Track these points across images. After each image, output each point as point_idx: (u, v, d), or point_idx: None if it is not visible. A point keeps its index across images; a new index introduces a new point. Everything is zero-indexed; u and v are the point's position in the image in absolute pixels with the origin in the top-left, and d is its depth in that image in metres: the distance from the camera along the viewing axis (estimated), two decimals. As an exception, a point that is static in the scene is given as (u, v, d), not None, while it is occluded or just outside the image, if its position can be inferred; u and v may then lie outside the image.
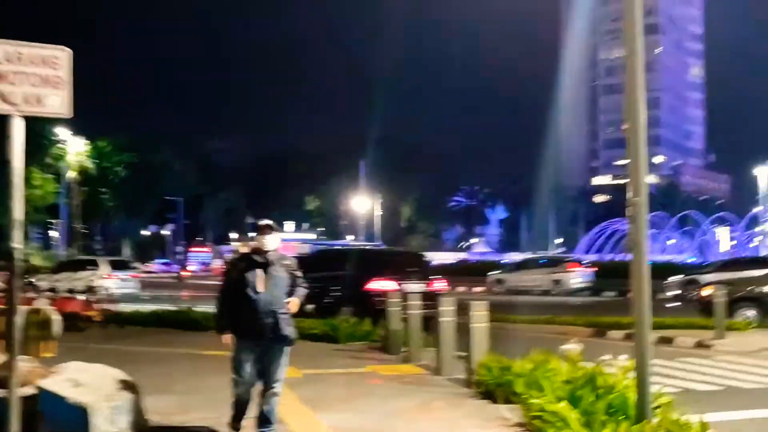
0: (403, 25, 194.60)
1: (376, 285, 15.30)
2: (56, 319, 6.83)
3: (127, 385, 6.24)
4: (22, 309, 7.19)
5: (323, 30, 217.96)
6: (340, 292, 16.01)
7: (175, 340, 13.80)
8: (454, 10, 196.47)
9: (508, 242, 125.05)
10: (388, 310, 11.41)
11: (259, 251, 6.39)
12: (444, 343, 9.21)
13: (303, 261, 8.42)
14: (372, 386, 8.91)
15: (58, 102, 5.25)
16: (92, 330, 15.50)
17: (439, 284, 16.69)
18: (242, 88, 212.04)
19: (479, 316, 8.37)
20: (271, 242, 6.38)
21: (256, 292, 6.25)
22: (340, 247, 36.37)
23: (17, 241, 5.09)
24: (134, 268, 36.28)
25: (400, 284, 14.44)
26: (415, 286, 14.26)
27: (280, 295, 6.38)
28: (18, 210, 5.09)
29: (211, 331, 15.39)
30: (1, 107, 5.13)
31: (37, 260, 73.36)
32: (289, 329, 6.45)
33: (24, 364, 6.27)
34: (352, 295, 15.59)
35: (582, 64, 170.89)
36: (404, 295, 11.01)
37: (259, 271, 6.29)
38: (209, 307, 16.73)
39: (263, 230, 6.41)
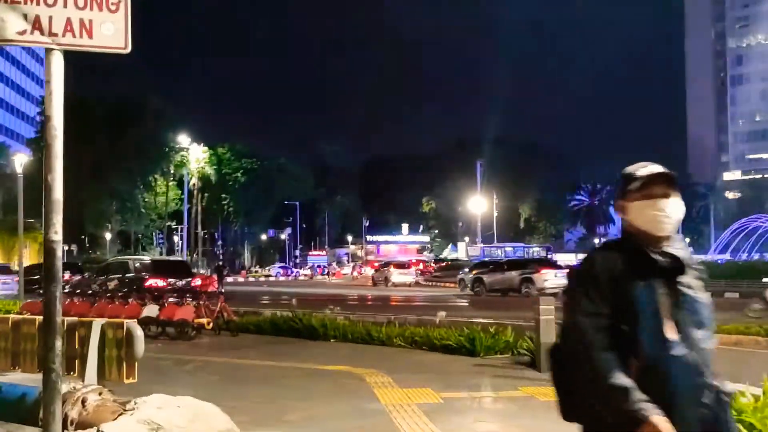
0: (519, 24, 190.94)
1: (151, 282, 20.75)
2: (138, 335, 5.27)
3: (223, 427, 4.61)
4: (98, 323, 5.74)
5: (438, 31, 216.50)
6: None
7: (290, 352, 12.31)
8: (572, 6, 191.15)
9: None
10: (543, 318, 9.46)
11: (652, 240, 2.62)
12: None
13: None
14: (534, 418, 7.04)
15: (111, 30, 3.67)
16: (202, 338, 14.29)
17: (198, 281, 22.46)
18: (358, 90, 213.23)
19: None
20: (676, 213, 2.67)
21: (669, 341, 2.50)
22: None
23: (56, 231, 3.53)
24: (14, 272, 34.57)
25: (167, 282, 20.68)
26: (179, 283, 20.45)
27: (709, 343, 2.59)
28: (57, 188, 3.54)
29: (329, 340, 14.14)
30: (36, 39, 3.60)
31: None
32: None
33: (92, 396, 4.77)
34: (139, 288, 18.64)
35: (709, 54, 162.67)
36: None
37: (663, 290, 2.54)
38: (323, 313, 15.44)
39: (661, 186, 2.66)
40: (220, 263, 56.89)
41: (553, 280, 31.53)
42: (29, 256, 55.21)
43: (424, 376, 9.18)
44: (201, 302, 14.79)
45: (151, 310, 14.39)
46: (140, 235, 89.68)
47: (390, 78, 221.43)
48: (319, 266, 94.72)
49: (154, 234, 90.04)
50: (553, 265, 36.84)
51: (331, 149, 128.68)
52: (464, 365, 10.24)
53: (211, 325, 14.40)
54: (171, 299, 14.98)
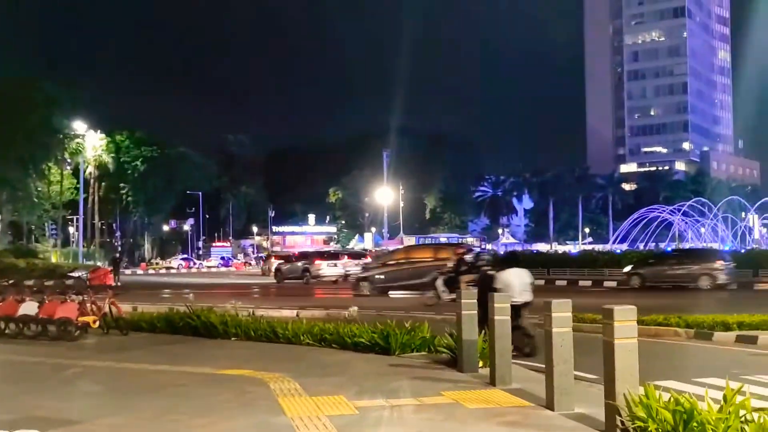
0: (425, 16, 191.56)
1: None
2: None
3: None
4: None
5: (344, 23, 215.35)
6: None
7: (186, 353, 11.15)
8: (477, 1, 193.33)
9: (536, 233, 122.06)
10: (465, 313, 8.66)
11: None
12: (560, 362, 6.47)
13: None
14: (464, 429, 6.21)
15: None
16: (88, 339, 12.93)
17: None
18: (263, 80, 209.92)
19: (626, 326, 5.61)
20: None
21: None
22: None
23: None
24: None
25: None
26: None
27: None
28: None
29: (230, 339, 13.01)
30: None
31: (55, 257, 71.65)
32: None
33: None
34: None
35: (607, 50, 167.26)
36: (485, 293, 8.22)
37: None
38: (227, 308, 14.24)
39: None
40: (117, 255, 54.19)
41: (326, 269, 36.72)
42: None
43: (336, 381, 8.26)
44: (86, 298, 13.37)
45: (28, 307, 12.93)
46: (33, 226, 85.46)
47: (297, 67, 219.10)
48: (222, 257, 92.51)
49: (46, 224, 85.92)
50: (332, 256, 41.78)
51: (236, 138, 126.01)
52: (379, 365, 9.35)
53: (98, 323, 13.04)
54: (53, 295, 13.51)
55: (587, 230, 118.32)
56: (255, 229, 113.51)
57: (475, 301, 8.80)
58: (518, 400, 7.17)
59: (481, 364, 8.92)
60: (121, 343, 12.49)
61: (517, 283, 10.97)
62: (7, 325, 13.26)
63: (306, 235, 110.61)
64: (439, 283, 22.12)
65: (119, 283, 25.01)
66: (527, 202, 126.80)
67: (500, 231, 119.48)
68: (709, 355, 11.24)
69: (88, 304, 13.29)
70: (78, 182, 76.76)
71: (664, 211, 61.58)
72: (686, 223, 60.25)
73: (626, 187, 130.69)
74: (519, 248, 74.83)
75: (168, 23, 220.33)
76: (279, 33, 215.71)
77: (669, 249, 44.11)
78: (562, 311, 6.53)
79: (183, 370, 9.28)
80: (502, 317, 7.91)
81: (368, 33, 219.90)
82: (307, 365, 9.49)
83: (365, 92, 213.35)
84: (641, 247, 56.98)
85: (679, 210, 60.43)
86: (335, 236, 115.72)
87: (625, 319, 5.63)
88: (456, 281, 21.69)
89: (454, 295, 22.54)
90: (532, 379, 8.38)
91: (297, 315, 17.89)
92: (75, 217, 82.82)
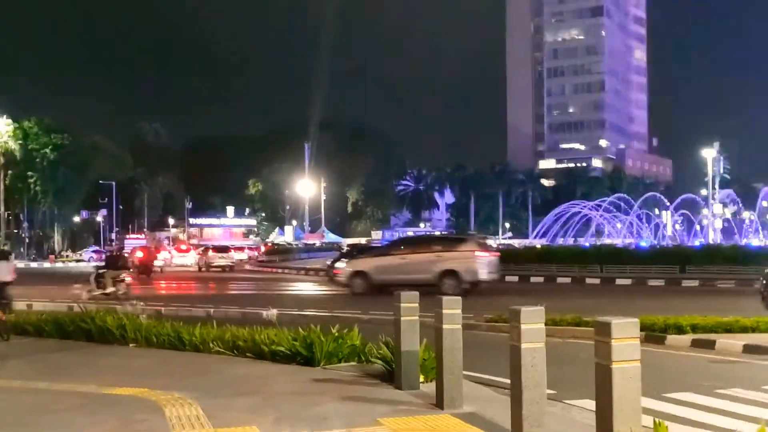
0: (346, 6, 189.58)
1: None
2: None
3: None
4: None
5: (264, 11, 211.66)
6: None
7: (72, 364, 9.41)
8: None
9: (458, 227, 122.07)
10: (405, 319, 7.27)
11: None
12: (531, 386, 5.16)
13: None
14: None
15: None
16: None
17: None
18: (181, 68, 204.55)
19: (628, 345, 4.33)
20: None
21: None
22: None
23: None
24: None
25: None
26: None
27: None
28: None
29: (128, 345, 10.64)
30: None
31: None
32: None
33: None
34: None
35: (528, 47, 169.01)
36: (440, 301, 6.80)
37: None
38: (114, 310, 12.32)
39: None
40: (4, 247, 50.23)
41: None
42: None
43: (249, 403, 6.78)
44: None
45: None
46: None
47: (216, 56, 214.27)
48: (96, 250, 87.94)
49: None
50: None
51: (151, 127, 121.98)
52: (302, 381, 7.89)
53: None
54: None
55: (507, 225, 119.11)
56: (171, 221, 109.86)
57: (417, 305, 7.42)
58: (476, 429, 5.83)
59: (421, 378, 7.57)
60: (-1, 352, 10.67)
61: None
62: None
63: (224, 227, 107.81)
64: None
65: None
66: (449, 197, 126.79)
67: (422, 225, 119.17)
68: (669, 362, 10.16)
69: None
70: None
71: (586, 206, 61.82)
72: (606, 219, 60.65)
73: (545, 182, 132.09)
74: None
75: (86, 7, 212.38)
76: (201, 20, 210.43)
77: (587, 245, 43.75)
78: (533, 322, 5.21)
79: (62, 389, 7.61)
80: (452, 326, 6.57)
81: (293, 24, 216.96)
82: (214, 381, 7.95)
83: (287, 84, 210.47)
84: (561, 242, 57.06)
85: (600, 206, 60.73)
86: (255, 229, 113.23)
87: (627, 335, 4.35)
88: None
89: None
90: (486, 398, 7.09)
91: (208, 315, 16.25)
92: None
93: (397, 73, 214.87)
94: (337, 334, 9.23)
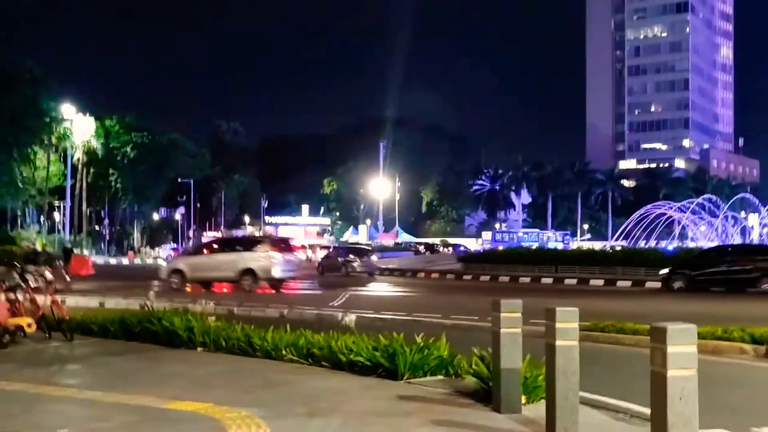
0: (425, 6, 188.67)
1: None
2: None
3: None
4: None
5: (343, 10, 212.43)
6: None
7: (133, 371, 8.58)
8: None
9: (534, 228, 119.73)
10: (506, 332, 6.25)
11: None
12: (678, 423, 4.07)
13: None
14: None
15: None
16: (22, 345, 10.45)
17: None
18: (258, 67, 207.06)
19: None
20: None
21: None
22: None
23: None
24: None
25: None
26: None
27: None
28: None
29: (196, 349, 9.66)
30: None
31: (41, 244, 69.00)
32: None
33: None
34: None
35: (608, 44, 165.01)
36: (550, 313, 5.69)
37: None
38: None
39: None
40: (68, 245, 50.82)
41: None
42: None
43: (325, 426, 5.85)
44: (21, 295, 10.83)
45: None
46: (18, 213, 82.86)
47: (292, 56, 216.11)
48: (173, 248, 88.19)
49: (27, 210, 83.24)
50: None
51: (229, 125, 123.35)
52: (385, 398, 6.93)
53: (33, 327, 10.49)
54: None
55: (586, 226, 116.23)
56: (247, 219, 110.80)
57: (520, 315, 6.37)
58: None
59: (524, 399, 6.52)
60: (59, 354, 10.01)
61: None
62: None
63: (299, 226, 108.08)
64: None
65: (69, 279, 22.55)
66: (525, 197, 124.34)
67: (497, 225, 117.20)
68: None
69: (26, 301, 10.74)
70: (65, 168, 74.10)
71: (671, 208, 59.34)
72: (693, 222, 58.18)
73: (626, 183, 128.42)
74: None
75: (163, 8, 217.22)
76: (277, 19, 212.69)
77: (671, 248, 41.66)
78: (682, 343, 4.12)
79: (117, 401, 6.80)
80: (567, 342, 5.49)
81: (368, 20, 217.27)
82: (287, 395, 7.05)
83: (362, 82, 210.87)
84: (642, 244, 55.04)
85: (687, 208, 58.18)
86: (329, 228, 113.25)
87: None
88: None
89: None
90: (603, 427, 5.99)
91: (282, 316, 15.48)
92: (62, 204, 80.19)
93: (473, 71, 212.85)
94: (422, 343, 8.23)
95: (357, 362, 8.17)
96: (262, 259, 24.43)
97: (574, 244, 75.67)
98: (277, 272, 24.28)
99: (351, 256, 42.53)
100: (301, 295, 23.71)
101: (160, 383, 7.68)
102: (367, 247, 51.38)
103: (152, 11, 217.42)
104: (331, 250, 51.45)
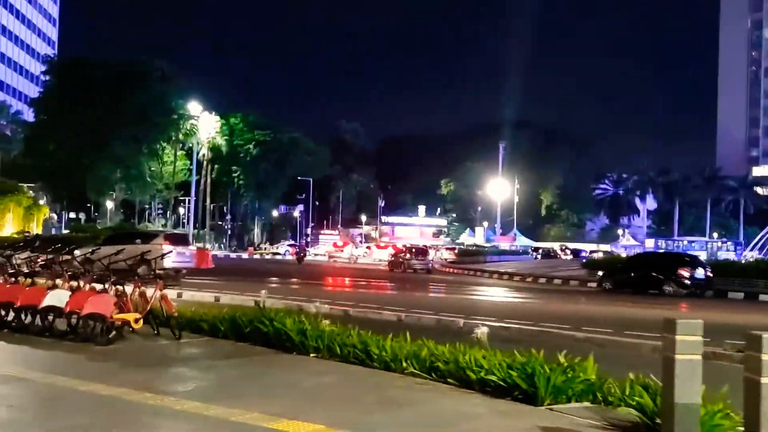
0: (547, 7, 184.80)
1: None
2: None
3: None
4: None
5: (460, 11, 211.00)
6: None
7: (239, 378, 7.74)
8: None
9: (659, 235, 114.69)
10: (681, 359, 5.03)
11: None
12: None
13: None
14: None
15: None
16: (128, 341, 9.91)
17: None
18: (377, 68, 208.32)
19: None
20: None
21: None
22: None
23: None
24: None
25: None
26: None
27: None
28: None
29: (308, 355, 8.63)
30: None
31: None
32: None
33: None
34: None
35: (743, 44, 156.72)
36: (754, 341, 4.44)
37: None
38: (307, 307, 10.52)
39: None
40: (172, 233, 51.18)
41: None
42: (12, 221, 51.27)
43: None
44: (129, 288, 10.29)
45: (57, 296, 9.98)
46: (146, 206, 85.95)
47: (412, 57, 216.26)
48: (291, 244, 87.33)
49: (152, 204, 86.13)
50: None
51: (349, 126, 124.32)
52: (524, 428, 5.83)
53: (140, 323, 9.92)
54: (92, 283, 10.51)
55: (715, 235, 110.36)
56: (364, 218, 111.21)
57: (700, 338, 5.14)
58: None
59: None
60: (166, 353, 9.37)
61: None
62: (33, 318, 10.36)
63: (415, 226, 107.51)
64: None
65: (173, 272, 23.12)
66: (651, 203, 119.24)
67: (620, 232, 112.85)
68: None
69: (129, 298, 10.20)
70: (191, 164, 76.29)
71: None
72: None
73: (759, 191, 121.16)
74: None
75: (288, 11, 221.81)
76: (397, 19, 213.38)
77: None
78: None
79: (217, 416, 5.96)
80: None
81: (489, 20, 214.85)
82: (409, 420, 6.05)
83: (482, 83, 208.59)
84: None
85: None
86: (445, 229, 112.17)
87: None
88: None
89: None
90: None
91: (399, 320, 14.54)
92: (187, 199, 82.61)
93: (597, 72, 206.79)
94: (566, 363, 7.06)
95: (489, 381, 7.09)
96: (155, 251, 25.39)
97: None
98: (168, 263, 25.34)
99: (409, 255, 46.35)
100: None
101: (268, 395, 6.83)
102: (425, 247, 54.41)
103: (274, 10, 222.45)
104: (394, 249, 55.65)
